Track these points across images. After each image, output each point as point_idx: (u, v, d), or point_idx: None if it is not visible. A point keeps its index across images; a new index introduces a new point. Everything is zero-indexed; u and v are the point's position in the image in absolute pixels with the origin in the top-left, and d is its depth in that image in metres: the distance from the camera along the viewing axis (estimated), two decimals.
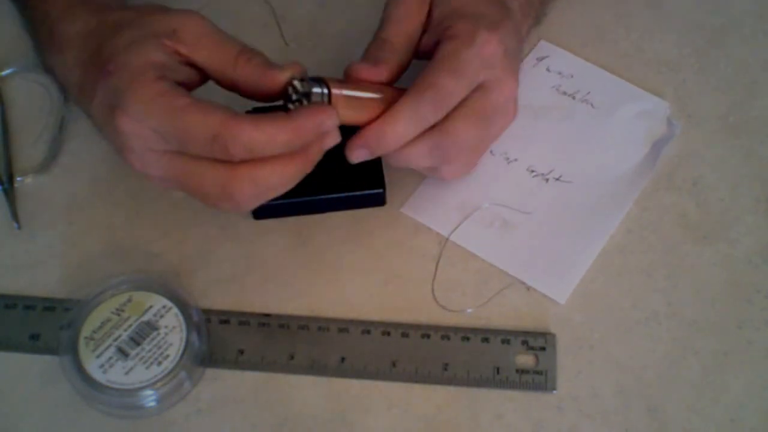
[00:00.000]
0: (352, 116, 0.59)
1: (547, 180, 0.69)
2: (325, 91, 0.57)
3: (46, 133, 0.71)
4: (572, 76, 0.73)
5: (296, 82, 0.56)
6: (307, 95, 0.56)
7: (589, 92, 0.73)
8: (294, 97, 0.56)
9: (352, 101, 0.59)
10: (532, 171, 0.69)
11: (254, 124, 0.54)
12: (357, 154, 0.60)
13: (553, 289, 0.64)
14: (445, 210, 0.68)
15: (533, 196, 0.68)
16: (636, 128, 0.71)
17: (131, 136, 0.55)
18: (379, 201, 0.68)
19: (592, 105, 0.72)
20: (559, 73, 0.74)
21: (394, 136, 0.59)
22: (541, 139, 0.70)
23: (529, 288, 0.65)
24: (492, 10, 0.63)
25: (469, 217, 0.67)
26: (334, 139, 0.57)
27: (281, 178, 0.56)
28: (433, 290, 0.65)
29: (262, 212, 0.67)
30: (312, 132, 0.56)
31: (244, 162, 0.55)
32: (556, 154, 0.70)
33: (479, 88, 0.61)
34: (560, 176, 0.69)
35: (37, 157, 0.70)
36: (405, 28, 0.63)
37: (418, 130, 0.59)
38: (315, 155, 0.57)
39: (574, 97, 0.72)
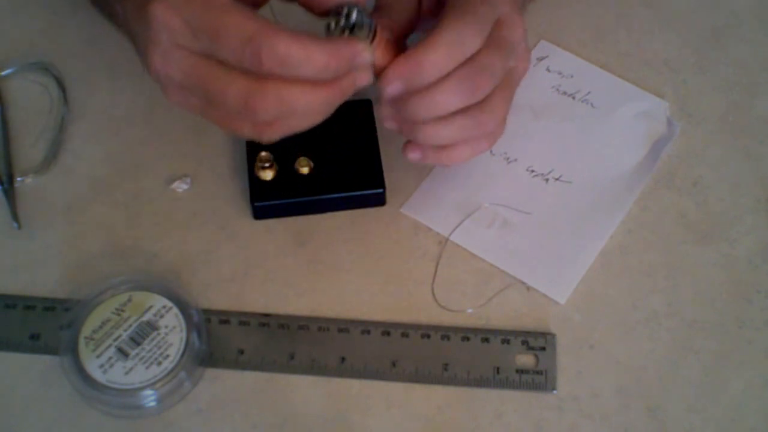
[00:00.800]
0: (383, 63, 0.58)
1: (547, 180, 0.69)
2: (373, 25, 0.56)
3: (46, 133, 0.71)
4: (572, 76, 0.73)
5: (351, 10, 0.55)
6: (353, 27, 0.55)
7: (589, 92, 0.73)
8: (341, 23, 0.55)
9: (389, 46, 0.58)
10: (532, 171, 0.69)
11: (293, 36, 0.52)
12: (392, 88, 0.58)
13: (553, 289, 0.64)
14: (445, 210, 0.68)
15: (533, 196, 0.68)
16: (636, 128, 0.71)
17: (161, 26, 0.53)
18: (379, 201, 0.68)
19: (592, 105, 0.72)
20: (559, 73, 0.74)
21: (432, 64, 0.57)
22: (541, 139, 0.70)
23: (529, 288, 0.65)
24: None
25: (469, 217, 0.67)
26: (366, 77, 0.55)
27: (309, 103, 0.54)
28: (433, 290, 0.65)
29: (262, 212, 0.67)
30: (348, 61, 0.54)
31: (272, 77, 0.52)
32: (556, 154, 0.70)
33: (494, 24, 0.60)
34: (560, 176, 0.69)
35: (37, 157, 0.70)
36: None
37: (455, 61, 0.58)
38: (346, 89, 0.55)
39: (574, 97, 0.72)
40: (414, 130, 0.60)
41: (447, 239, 0.67)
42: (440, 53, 0.57)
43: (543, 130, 0.71)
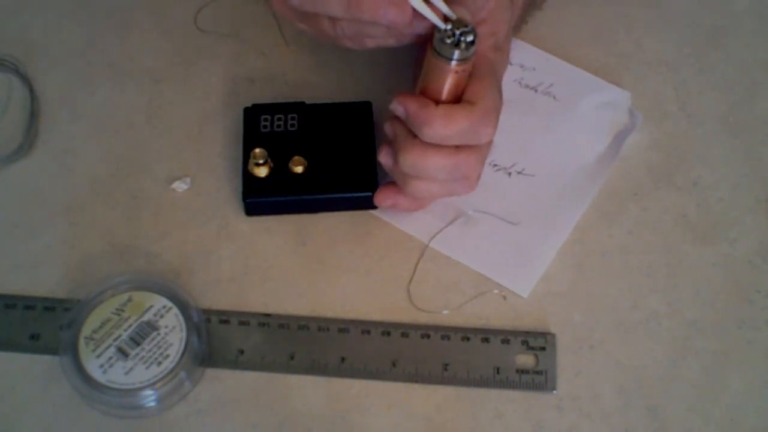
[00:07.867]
0: (451, 86, 0.59)
1: (509, 174, 0.69)
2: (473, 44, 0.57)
3: (20, 124, 0.71)
4: (534, 69, 0.73)
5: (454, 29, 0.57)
6: (462, 44, 0.57)
7: (551, 84, 0.72)
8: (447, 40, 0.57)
9: (463, 77, 0.59)
10: (495, 165, 0.69)
11: None
12: (397, 109, 0.59)
13: (516, 284, 0.64)
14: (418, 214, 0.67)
15: (496, 190, 0.68)
16: (598, 119, 0.70)
17: None
18: (371, 204, 0.67)
19: (554, 97, 0.72)
20: (521, 66, 0.73)
21: (440, 125, 0.58)
22: (503, 133, 0.69)
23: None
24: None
25: (431, 214, 0.67)
26: None
27: None
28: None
29: (253, 208, 0.67)
30: None
31: None
32: (519, 147, 0.69)
33: None
34: (523, 169, 0.69)
35: (12, 146, 0.70)
36: None
37: (457, 140, 0.59)
38: None
39: (536, 90, 0.72)
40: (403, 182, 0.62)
41: (428, 243, 0.67)
42: (455, 125, 0.58)
43: (505, 123, 0.69)
